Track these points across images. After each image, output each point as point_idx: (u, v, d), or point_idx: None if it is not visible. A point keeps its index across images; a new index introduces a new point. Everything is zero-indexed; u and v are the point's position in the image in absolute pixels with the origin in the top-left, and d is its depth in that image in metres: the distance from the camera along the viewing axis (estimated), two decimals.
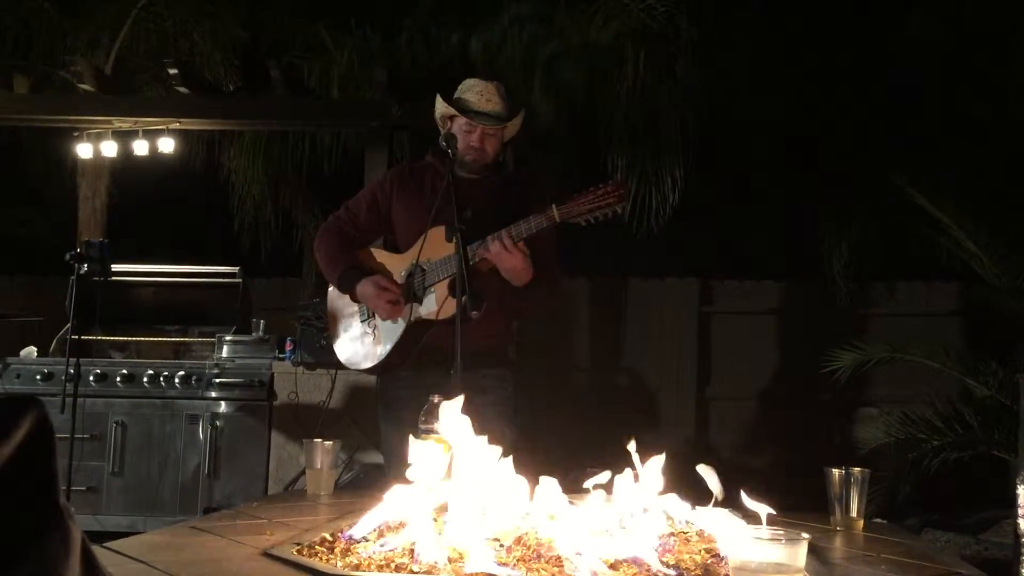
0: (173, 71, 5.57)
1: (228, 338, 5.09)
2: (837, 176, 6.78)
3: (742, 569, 1.19)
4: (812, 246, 7.06)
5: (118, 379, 4.89)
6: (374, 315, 2.87)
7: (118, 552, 1.52)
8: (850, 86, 6.87)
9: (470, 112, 2.83)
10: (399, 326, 2.79)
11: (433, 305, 2.73)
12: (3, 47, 6.55)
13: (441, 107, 2.89)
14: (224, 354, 5.04)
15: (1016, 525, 2.39)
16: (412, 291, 2.77)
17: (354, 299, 2.90)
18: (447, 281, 2.70)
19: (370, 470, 4.33)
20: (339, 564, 1.43)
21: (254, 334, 5.14)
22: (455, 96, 2.90)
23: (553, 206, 2.58)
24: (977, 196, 5.38)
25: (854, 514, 2.09)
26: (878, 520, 2.27)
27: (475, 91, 2.88)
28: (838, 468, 2.11)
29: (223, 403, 4.88)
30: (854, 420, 6.79)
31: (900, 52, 6.31)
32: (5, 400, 0.76)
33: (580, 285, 7.61)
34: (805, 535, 1.22)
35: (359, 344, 2.92)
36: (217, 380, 4.88)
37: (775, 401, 7.29)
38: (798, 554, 1.20)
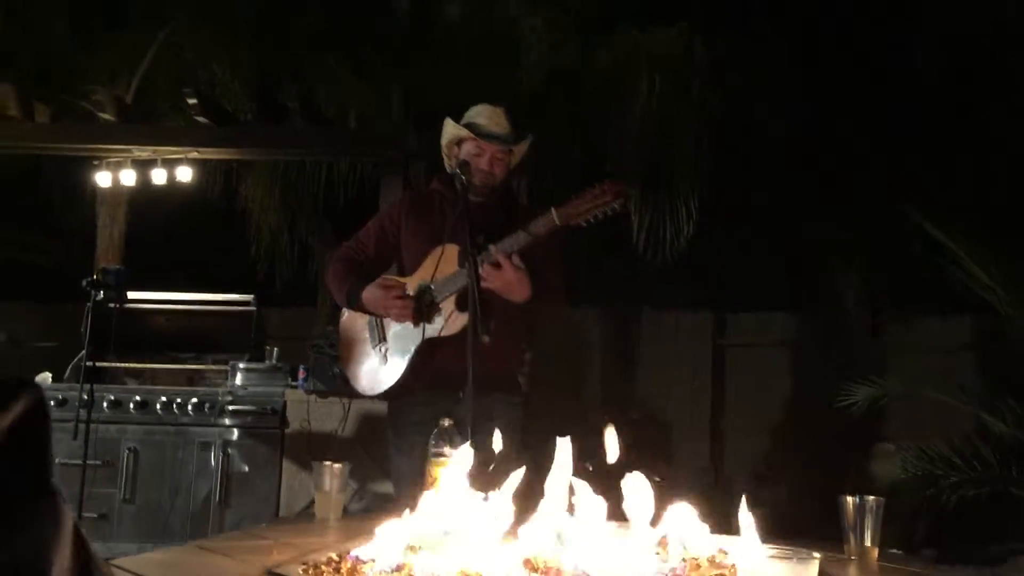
0: (192, 101, 5.65)
1: (241, 366, 5.10)
2: (849, 208, 6.77)
3: None
4: (826, 279, 7.04)
5: (131, 405, 4.89)
6: (384, 339, 2.88)
7: (122, 568, 1.52)
8: (860, 116, 6.89)
9: (482, 134, 2.86)
10: (410, 348, 2.80)
11: (441, 322, 2.74)
12: (24, 77, 6.65)
13: (452, 130, 2.92)
14: (237, 382, 5.05)
15: None
16: (422, 310, 2.78)
17: (363, 310, 2.91)
18: (454, 297, 2.71)
19: (380, 499, 4.32)
20: None
21: (267, 362, 5.15)
22: (464, 121, 2.94)
23: (552, 209, 2.60)
24: (989, 227, 5.36)
25: (868, 543, 2.07)
26: (893, 551, 2.24)
27: (484, 115, 2.92)
28: (852, 496, 2.09)
29: (235, 430, 4.87)
30: (870, 455, 6.72)
31: (910, 80, 6.34)
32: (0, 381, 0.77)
33: (593, 316, 7.60)
34: (816, 554, 1.21)
35: (371, 370, 2.92)
36: (230, 407, 4.88)
37: (790, 434, 7.24)
38: (809, 572, 1.19)
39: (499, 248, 2.63)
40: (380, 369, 2.89)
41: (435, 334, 2.75)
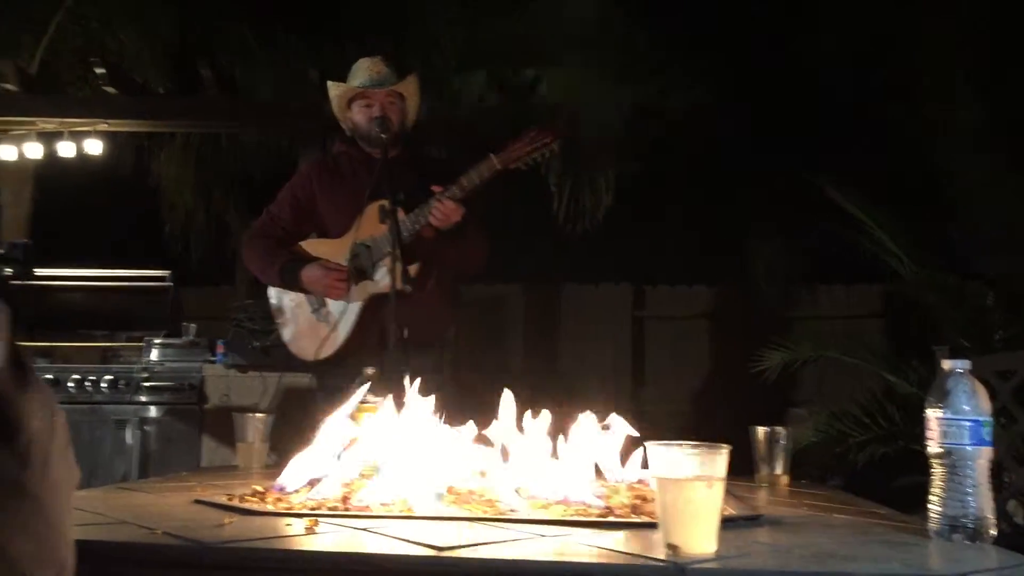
0: (100, 70, 5.48)
1: (157, 341, 4.98)
2: (762, 180, 6.91)
3: (665, 482, 1.21)
4: (740, 251, 7.20)
5: None
6: (325, 303, 2.89)
7: None
8: (773, 88, 7.02)
9: (363, 85, 2.93)
10: (354, 307, 2.82)
11: (386, 278, 2.75)
12: None
13: (336, 92, 2.98)
14: (153, 357, 4.93)
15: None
16: (361, 269, 2.81)
17: (300, 289, 2.91)
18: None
19: None
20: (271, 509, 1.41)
21: (184, 337, 5.05)
22: (348, 84, 2.99)
23: (491, 155, 2.66)
24: (893, 196, 5.55)
25: (779, 471, 2.15)
26: (802, 481, 2.33)
27: (362, 69, 2.98)
28: (762, 426, 2.17)
29: (152, 407, 4.77)
30: (784, 422, 6.89)
31: (820, 55, 6.47)
32: None
33: (514, 292, 7.64)
34: (725, 446, 1.24)
35: (314, 335, 2.92)
36: (146, 384, 4.77)
37: (708, 403, 7.39)
38: (718, 463, 1.22)
39: (452, 194, 2.70)
40: (324, 332, 2.89)
41: (382, 291, 2.76)
